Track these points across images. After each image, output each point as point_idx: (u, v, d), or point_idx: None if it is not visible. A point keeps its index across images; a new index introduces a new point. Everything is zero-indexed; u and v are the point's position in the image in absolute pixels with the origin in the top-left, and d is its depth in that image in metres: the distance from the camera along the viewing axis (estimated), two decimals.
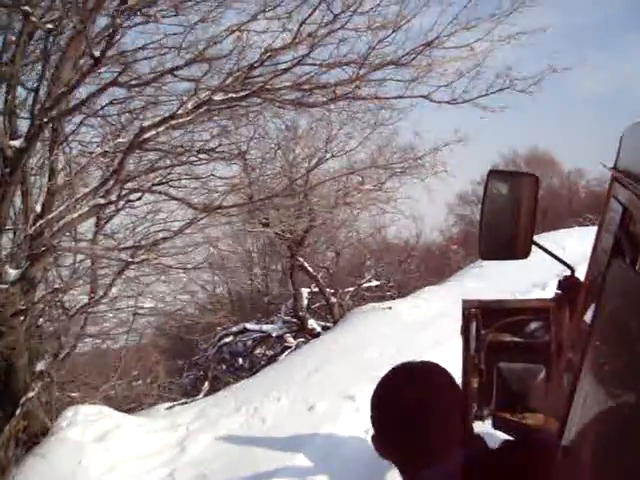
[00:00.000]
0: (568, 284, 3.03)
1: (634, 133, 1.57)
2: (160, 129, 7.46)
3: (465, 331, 4.78)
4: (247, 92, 7.12)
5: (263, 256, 23.66)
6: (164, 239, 9.61)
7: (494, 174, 2.93)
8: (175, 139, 10.25)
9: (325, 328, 16.88)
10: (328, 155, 14.21)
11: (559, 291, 3.19)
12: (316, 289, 18.11)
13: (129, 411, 10.56)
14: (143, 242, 9.54)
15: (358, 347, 11.43)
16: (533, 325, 4.64)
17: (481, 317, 4.70)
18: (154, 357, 11.20)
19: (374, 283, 21.31)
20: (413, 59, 7.63)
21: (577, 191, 40.53)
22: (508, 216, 2.76)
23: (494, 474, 1.44)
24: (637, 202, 1.21)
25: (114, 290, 10.64)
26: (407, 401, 1.52)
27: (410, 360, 1.66)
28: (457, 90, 8.18)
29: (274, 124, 13.18)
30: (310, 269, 17.17)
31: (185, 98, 7.15)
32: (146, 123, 7.36)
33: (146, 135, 7.47)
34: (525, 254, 2.77)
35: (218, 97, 7.13)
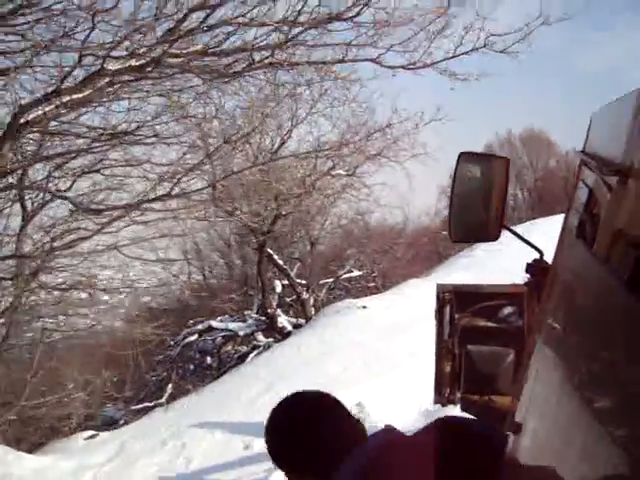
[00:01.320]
0: (536, 268, 2.87)
1: (601, 117, 1.49)
2: (48, 108, 5.90)
3: (439, 315, 4.80)
4: (146, 60, 5.53)
5: (240, 244, 22.08)
6: (83, 239, 8.09)
7: (465, 156, 2.77)
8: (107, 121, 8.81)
9: (296, 326, 15.40)
10: (294, 135, 12.66)
11: (527, 275, 2.97)
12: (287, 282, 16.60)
13: (48, 435, 9.08)
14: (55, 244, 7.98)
15: (321, 357, 9.97)
16: (507, 310, 4.59)
17: (455, 301, 4.70)
18: (76, 375, 9.57)
19: (355, 273, 19.68)
20: (358, 13, 5.95)
21: (574, 172, 38.75)
22: (479, 199, 2.71)
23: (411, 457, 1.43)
24: (601, 186, 1.14)
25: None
26: (298, 418, 1.59)
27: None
28: (417, 53, 6.50)
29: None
30: (279, 261, 15.61)
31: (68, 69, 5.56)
32: (24, 101, 5.78)
33: (30, 116, 5.91)
34: (495, 237, 2.67)
35: (113, 66, 5.55)
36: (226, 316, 18.50)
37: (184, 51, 5.84)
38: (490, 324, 4.59)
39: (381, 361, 9.20)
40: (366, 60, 6.53)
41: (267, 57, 6.09)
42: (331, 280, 18.79)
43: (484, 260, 16.19)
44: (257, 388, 8.88)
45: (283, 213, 13.89)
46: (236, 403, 8.42)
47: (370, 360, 9.33)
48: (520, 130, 40.15)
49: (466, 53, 6.62)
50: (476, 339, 4.20)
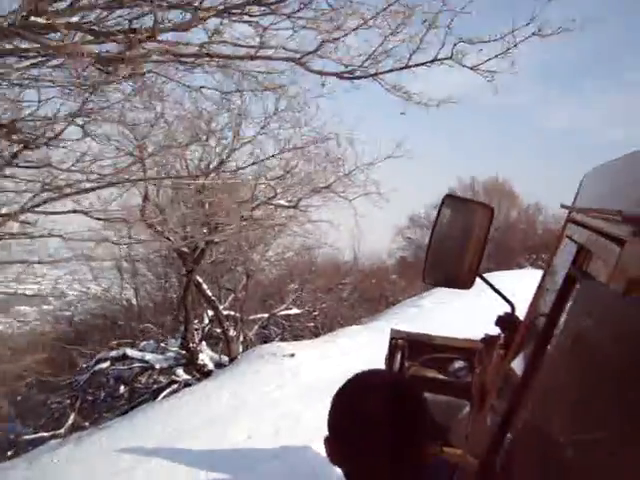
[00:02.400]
0: (507, 321, 2.87)
1: (594, 177, 1.63)
2: None
3: (389, 361, 4.75)
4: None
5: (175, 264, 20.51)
6: None
7: (450, 199, 2.81)
8: None
9: (219, 365, 13.93)
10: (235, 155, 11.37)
11: (497, 327, 3.00)
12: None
13: None
14: None
15: (229, 416, 8.55)
16: (457, 364, 4.59)
17: (408, 349, 4.68)
18: None
19: (294, 311, 18.27)
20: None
21: (534, 227, 38.50)
22: (457, 244, 2.72)
23: None
24: (594, 242, 1.25)
25: None
26: (371, 414, 1.44)
27: (378, 369, 1.61)
28: (358, 58, 5.07)
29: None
30: (208, 292, 14.14)
31: None
32: None
33: None
34: (468, 285, 2.70)
35: None
36: (151, 341, 16.91)
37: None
38: (439, 376, 4.56)
39: (295, 430, 7.83)
40: (286, 60, 5.08)
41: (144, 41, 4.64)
42: (266, 316, 17.37)
43: (433, 313, 15.13)
44: (144, 449, 7.42)
45: (216, 240, 12.51)
46: (109, 469, 6.94)
47: (283, 427, 7.95)
48: (483, 178, 39.80)
49: (423, 64, 5.11)
50: (423, 389, 3.73)
